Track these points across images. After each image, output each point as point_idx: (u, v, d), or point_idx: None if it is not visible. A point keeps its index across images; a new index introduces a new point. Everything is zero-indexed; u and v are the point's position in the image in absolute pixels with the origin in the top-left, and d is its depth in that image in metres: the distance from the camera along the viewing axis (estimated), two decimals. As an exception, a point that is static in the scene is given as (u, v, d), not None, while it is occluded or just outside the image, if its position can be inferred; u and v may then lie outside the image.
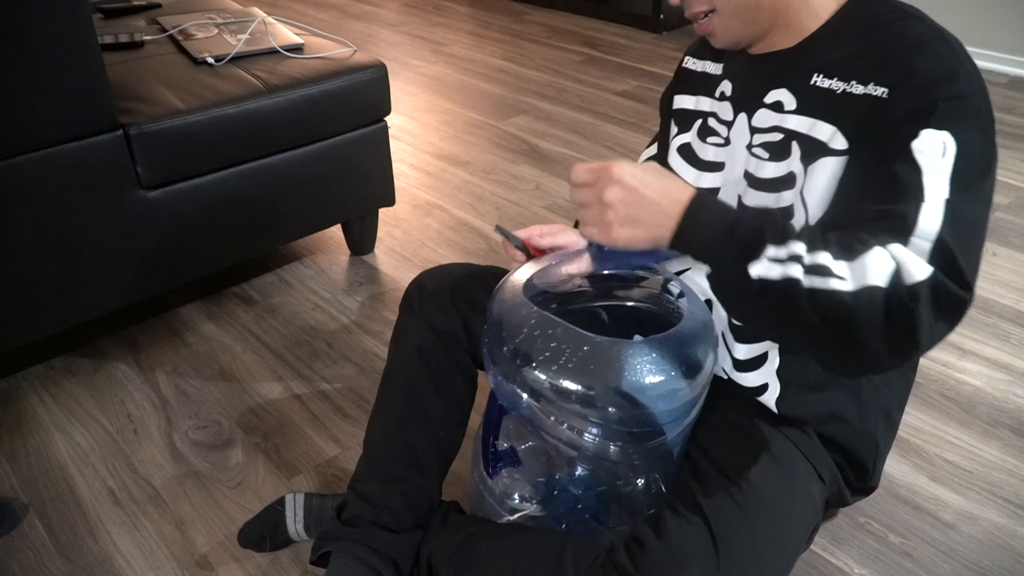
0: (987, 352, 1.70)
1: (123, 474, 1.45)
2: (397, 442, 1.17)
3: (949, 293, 0.76)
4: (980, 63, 3.33)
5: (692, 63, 1.14)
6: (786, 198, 0.94)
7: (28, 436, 1.54)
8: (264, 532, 1.27)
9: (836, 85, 0.91)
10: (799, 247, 0.79)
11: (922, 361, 1.67)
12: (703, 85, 1.11)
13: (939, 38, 0.87)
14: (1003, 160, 2.49)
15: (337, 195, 1.91)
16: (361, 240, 2.07)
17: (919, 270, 0.75)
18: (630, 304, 1.14)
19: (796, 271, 0.78)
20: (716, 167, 1.06)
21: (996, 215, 2.21)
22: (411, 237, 2.18)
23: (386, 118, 1.91)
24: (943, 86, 0.84)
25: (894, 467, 1.41)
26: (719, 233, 0.82)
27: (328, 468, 1.46)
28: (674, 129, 1.15)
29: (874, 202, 0.83)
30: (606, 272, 1.06)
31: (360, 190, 1.95)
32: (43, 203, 1.48)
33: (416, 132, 2.86)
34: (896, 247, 0.77)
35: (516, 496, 1.17)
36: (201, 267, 1.76)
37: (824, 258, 0.78)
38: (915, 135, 0.83)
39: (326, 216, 1.94)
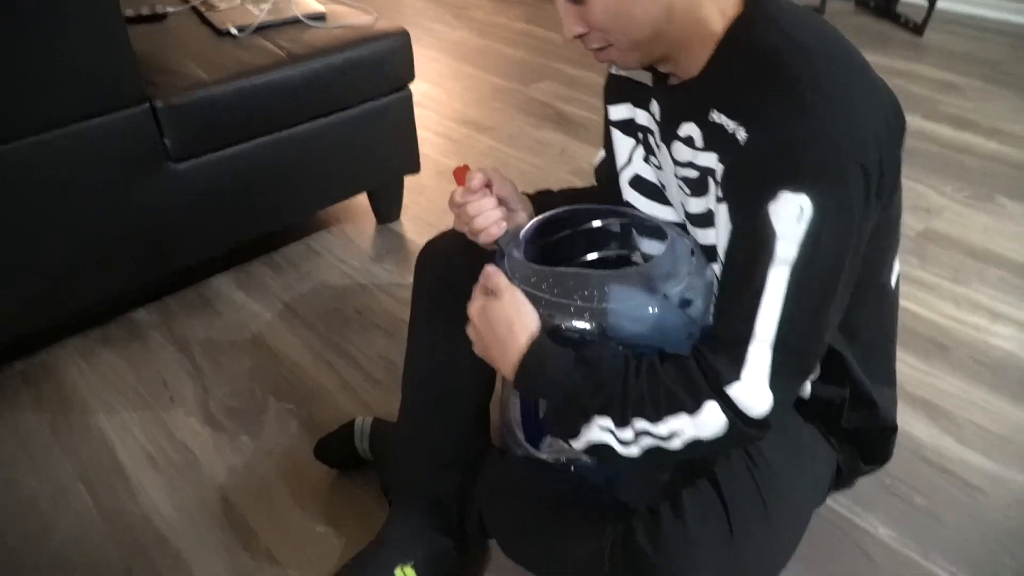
0: (1019, 316, 1.68)
1: (161, 440, 1.49)
2: (431, 384, 1.21)
3: (793, 387, 0.89)
4: (992, 14, 3.24)
5: (619, 69, 1.06)
6: (712, 237, 0.91)
7: (69, 406, 1.58)
8: (336, 446, 1.38)
9: (727, 123, 0.85)
10: (627, 433, 0.88)
11: (950, 323, 1.66)
12: (636, 94, 1.03)
13: (811, 85, 0.79)
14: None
15: (362, 163, 1.92)
16: (387, 208, 2.09)
17: (758, 405, 0.83)
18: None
19: (631, 451, 0.89)
20: (664, 195, 1.04)
21: (1031, 174, 2.17)
22: (436, 204, 2.19)
23: (410, 85, 1.91)
24: (803, 146, 0.79)
25: (921, 430, 1.41)
26: (552, 398, 0.93)
27: (359, 433, 1.49)
28: (620, 148, 1.10)
29: (723, 290, 0.88)
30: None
31: (385, 158, 1.96)
32: (74, 179, 1.50)
33: (440, 99, 2.85)
34: (733, 391, 0.83)
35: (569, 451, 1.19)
36: (230, 238, 1.79)
37: (656, 433, 0.86)
38: (772, 196, 0.80)
39: (352, 185, 1.95)
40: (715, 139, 0.87)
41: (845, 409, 1.04)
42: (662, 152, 0.99)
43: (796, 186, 0.78)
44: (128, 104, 1.51)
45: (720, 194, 0.87)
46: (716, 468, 0.97)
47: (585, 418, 0.89)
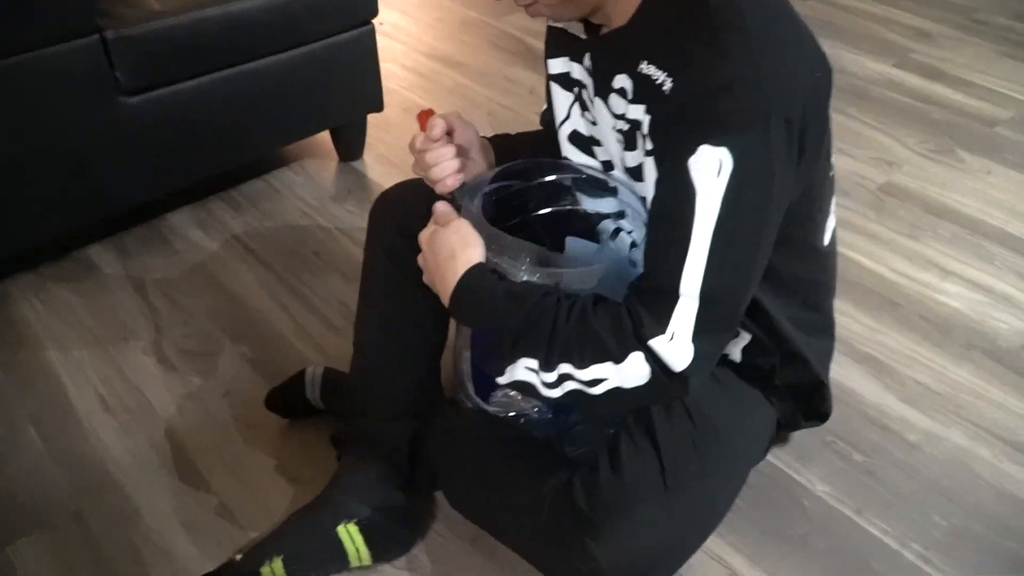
0: (969, 273, 1.71)
1: (114, 382, 1.49)
2: (384, 334, 1.21)
3: (717, 342, 0.89)
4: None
5: (555, 21, 1.04)
6: (646, 190, 0.91)
7: (20, 344, 1.57)
8: (287, 398, 1.38)
9: (655, 74, 0.84)
10: (550, 376, 0.89)
11: (901, 280, 1.68)
12: (571, 47, 1.02)
13: (737, 31, 0.78)
14: (1009, 72, 2.43)
15: (323, 101, 1.87)
16: (349, 146, 2.05)
17: (681, 359, 0.84)
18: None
19: (553, 393, 0.90)
20: (599, 145, 1.03)
21: (995, 129, 2.17)
22: (401, 143, 2.15)
23: (378, 16, 1.85)
24: (726, 92, 0.78)
25: (864, 386, 1.45)
26: (481, 329, 0.97)
27: (314, 378, 1.50)
28: (559, 102, 1.08)
29: (651, 243, 0.88)
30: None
31: (347, 96, 1.91)
32: (21, 112, 1.46)
33: (410, 30, 2.78)
34: (657, 344, 0.83)
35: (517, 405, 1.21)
36: (186, 175, 1.76)
37: (580, 378, 0.87)
38: (692, 150, 0.79)
39: (312, 123, 1.91)
40: (644, 90, 0.86)
41: (777, 367, 1.06)
42: (596, 107, 0.98)
43: (715, 139, 0.78)
44: (77, 35, 1.46)
45: (648, 147, 0.87)
46: (656, 424, 1.00)
47: (512, 357, 0.91)
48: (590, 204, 1.11)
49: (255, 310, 1.64)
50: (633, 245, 1.04)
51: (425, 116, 1.06)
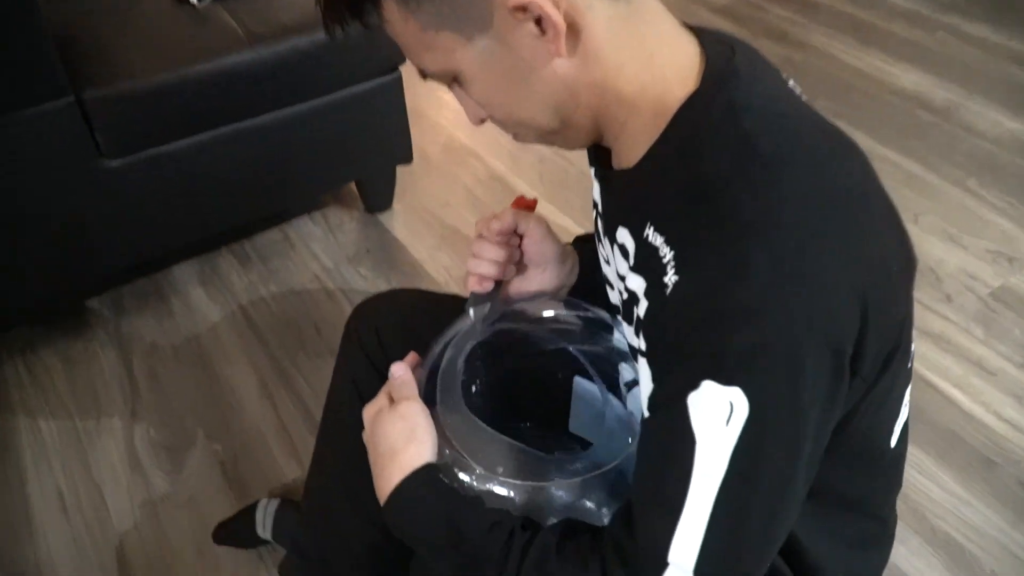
0: None
1: (76, 476, 1.37)
2: (339, 492, 1.03)
3: None
4: None
5: None
6: (639, 393, 0.67)
7: (-7, 415, 1.47)
8: (236, 533, 1.25)
9: (662, 250, 0.60)
10: None
11: (1007, 431, 1.35)
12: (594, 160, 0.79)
13: (765, 237, 0.54)
14: None
15: (340, 155, 1.68)
16: (375, 199, 1.85)
17: None
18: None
19: None
20: (610, 284, 0.79)
21: None
22: (435, 193, 1.94)
23: (401, 66, 1.64)
24: (742, 323, 0.54)
25: (934, 588, 1.16)
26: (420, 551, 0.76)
27: (284, 492, 1.33)
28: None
29: (636, 488, 0.64)
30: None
31: (368, 149, 1.71)
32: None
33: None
34: None
35: None
36: (184, 235, 1.61)
37: None
38: (694, 384, 0.56)
39: (328, 178, 1.73)
40: (647, 263, 0.62)
41: None
42: (605, 247, 0.74)
43: (724, 377, 0.55)
44: (48, 97, 1.31)
45: (642, 345, 0.63)
46: None
47: None
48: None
49: (238, 398, 1.48)
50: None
51: (519, 204, 0.87)
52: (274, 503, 1.22)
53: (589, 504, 0.76)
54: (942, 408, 1.39)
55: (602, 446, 0.85)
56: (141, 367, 1.55)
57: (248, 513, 1.22)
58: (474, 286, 0.84)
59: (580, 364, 0.88)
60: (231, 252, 1.78)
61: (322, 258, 1.77)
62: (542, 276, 0.88)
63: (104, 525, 1.30)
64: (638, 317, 0.64)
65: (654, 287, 0.61)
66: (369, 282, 1.70)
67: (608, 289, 0.80)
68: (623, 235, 0.67)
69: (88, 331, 1.62)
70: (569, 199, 1.87)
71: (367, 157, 1.72)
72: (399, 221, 1.86)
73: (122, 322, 1.64)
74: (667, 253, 0.59)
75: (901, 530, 0.90)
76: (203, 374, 1.53)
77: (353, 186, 1.87)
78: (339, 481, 1.04)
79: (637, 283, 0.63)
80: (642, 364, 0.64)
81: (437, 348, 0.84)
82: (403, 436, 0.75)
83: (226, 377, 1.52)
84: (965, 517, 1.24)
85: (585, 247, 0.93)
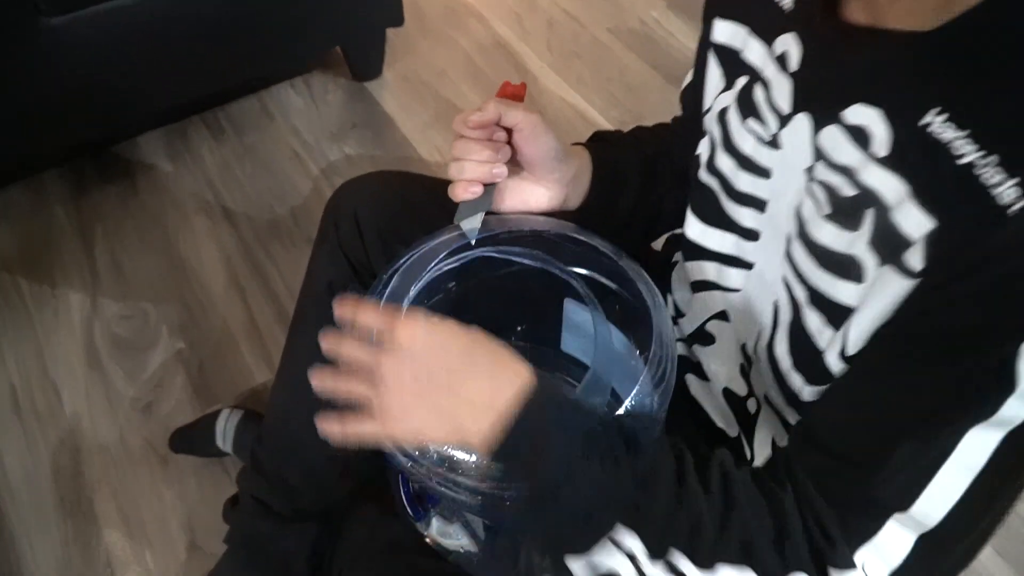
0: None
1: (32, 372, 1.27)
2: (301, 405, 0.92)
3: None
4: None
5: None
6: (846, 295, 0.53)
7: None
8: (194, 443, 1.17)
9: (962, 146, 0.45)
10: (654, 570, 0.53)
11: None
12: (759, 11, 0.62)
13: None
14: None
15: (321, 15, 1.47)
16: (362, 65, 1.65)
17: None
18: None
19: None
20: (761, 173, 0.62)
21: None
22: (431, 60, 1.73)
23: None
24: None
25: None
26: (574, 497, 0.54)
27: (252, 399, 1.24)
28: (711, 87, 0.69)
29: (865, 413, 0.51)
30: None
31: (351, 8, 1.50)
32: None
33: None
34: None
35: (456, 536, 0.93)
36: (140, 106, 1.43)
37: None
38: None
39: (306, 43, 1.52)
40: (915, 158, 0.48)
41: None
42: (793, 126, 0.58)
43: None
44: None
45: (911, 265, 0.48)
46: None
47: (611, 532, 0.55)
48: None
49: (205, 288, 1.36)
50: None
51: (507, 90, 0.74)
52: (237, 415, 1.13)
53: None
54: None
55: (604, 372, 0.71)
56: (103, 252, 1.42)
57: (208, 422, 1.13)
58: (461, 194, 0.69)
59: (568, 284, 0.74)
60: (203, 122, 1.61)
61: (303, 133, 1.59)
62: (542, 178, 0.73)
63: (58, 425, 1.21)
64: (898, 233, 0.49)
65: (947, 199, 0.46)
66: (353, 163, 1.54)
67: (757, 179, 0.64)
68: (862, 113, 0.51)
69: (47, 209, 1.48)
70: (580, 72, 1.65)
71: (353, 17, 1.51)
72: (389, 92, 1.67)
73: (82, 201, 1.49)
74: (970, 150, 0.44)
75: None
76: (169, 263, 1.40)
77: (340, 51, 1.66)
78: (300, 394, 0.92)
79: (885, 181, 0.49)
80: (888, 278, 0.49)
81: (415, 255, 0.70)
82: (479, 352, 0.57)
83: (193, 267, 1.39)
84: None
85: (601, 149, 0.77)
